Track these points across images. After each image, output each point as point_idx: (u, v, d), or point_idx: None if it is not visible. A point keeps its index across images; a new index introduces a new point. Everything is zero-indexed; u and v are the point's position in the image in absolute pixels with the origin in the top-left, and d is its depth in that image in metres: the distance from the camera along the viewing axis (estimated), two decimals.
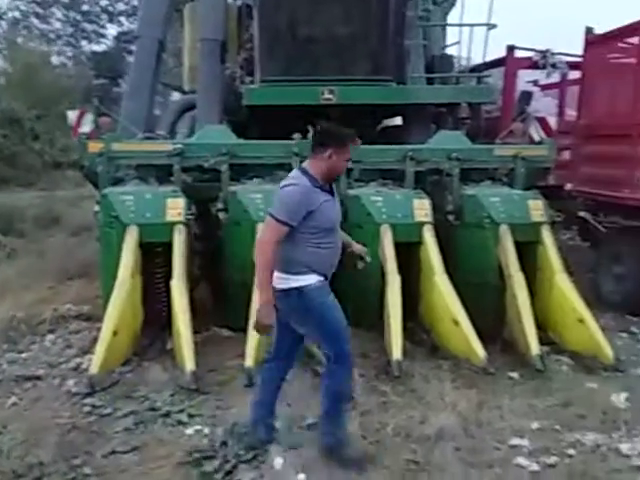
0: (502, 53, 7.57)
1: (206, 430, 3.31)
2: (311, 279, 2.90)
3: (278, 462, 2.97)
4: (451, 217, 4.75)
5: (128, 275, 4.11)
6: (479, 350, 4.00)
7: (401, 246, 4.49)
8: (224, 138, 4.98)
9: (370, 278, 4.60)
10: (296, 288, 2.88)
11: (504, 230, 4.52)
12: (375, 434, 3.30)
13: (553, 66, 7.08)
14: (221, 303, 4.98)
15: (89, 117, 5.47)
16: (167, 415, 3.49)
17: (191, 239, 4.97)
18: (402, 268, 4.36)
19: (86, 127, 5.74)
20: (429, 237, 4.50)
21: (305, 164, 2.98)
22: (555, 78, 7.51)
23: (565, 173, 6.43)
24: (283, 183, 2.91)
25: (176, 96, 8.69)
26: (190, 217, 4.45)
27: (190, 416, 3.48)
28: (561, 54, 7.22)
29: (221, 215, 4.56)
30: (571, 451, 3.17)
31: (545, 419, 3.48)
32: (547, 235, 4.58)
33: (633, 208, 5.38)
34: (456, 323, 4.13)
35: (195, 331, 4.28)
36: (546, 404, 3.67)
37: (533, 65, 7.28)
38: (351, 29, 5.54)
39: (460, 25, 6.05)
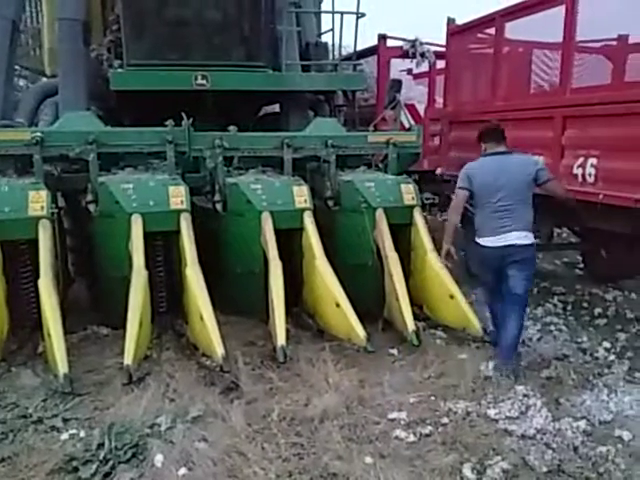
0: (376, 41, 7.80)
1: (82, 434, 3.14)
2: None
3: (158, 459, 2.89)
4: (330, 202, 4.86)
5: None
6: (359, 330, 4.11)
7: (282, 233, 4.52)
8: (89, 125, 4.67)
9: (253, 266, 4.60)
10: (536, 243, 4.05)
11: (380, 214, 4.69)
12: (261, 421, 3.31)
13: (422, 55, 7.36)
14: (98, 300, 4.75)
15: None
16: (39, 421, 3.28)
17: (62, 234, 4.67)
18: (284, 255, 4.38)
19: None
20: (309, 223, 4.56)
21: (504, 149, 4.08)
22: (426, 67, 7.84)
23: (436, 158, 6.77)
24: (533, 158, 4.28)
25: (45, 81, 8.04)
26: (55, 211, 4.18)
27: (65, 420, 3.29)
28: (430, 44, 7.53)
29: (91, 208, 4.32)
30: (445, 420, 3.36)
31: (422, 391, 3.67)
32: (418, 217, 4.81)
33: None
34: (337, 305, 4.22)
35: (71, 331, 4.08)
36: (423, 377, 3.87)
37: (404, 54, 7.54)
38: (222, 12, 5.43)
39: (331, 12, 6.12)
